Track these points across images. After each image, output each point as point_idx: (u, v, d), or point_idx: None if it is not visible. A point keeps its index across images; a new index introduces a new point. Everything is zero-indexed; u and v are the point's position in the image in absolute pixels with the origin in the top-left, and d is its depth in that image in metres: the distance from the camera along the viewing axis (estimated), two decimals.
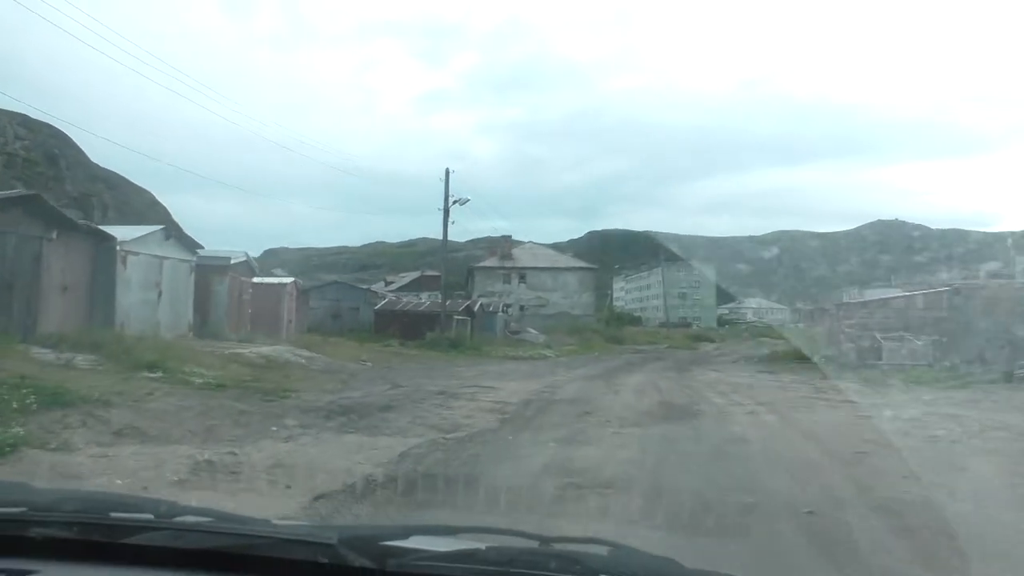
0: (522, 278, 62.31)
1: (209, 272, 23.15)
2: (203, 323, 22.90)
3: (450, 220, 37.01)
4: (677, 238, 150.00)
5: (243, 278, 25.45)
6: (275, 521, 1.92)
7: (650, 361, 31.60)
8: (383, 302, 42.20)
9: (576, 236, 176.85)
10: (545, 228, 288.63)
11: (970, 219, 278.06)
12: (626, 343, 50.61)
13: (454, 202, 36.74)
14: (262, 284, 27.17)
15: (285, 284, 28.52)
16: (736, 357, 35.29)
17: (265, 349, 19.84)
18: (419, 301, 43.83)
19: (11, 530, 1.74)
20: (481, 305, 45.13)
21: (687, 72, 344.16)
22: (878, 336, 26.54)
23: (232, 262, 24.33)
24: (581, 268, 65.42)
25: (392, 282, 75.47)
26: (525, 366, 26.61)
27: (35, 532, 1.71)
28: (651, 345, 50.54)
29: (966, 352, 21.69)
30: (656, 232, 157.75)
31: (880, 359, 26.06)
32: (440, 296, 40.03)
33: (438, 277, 41.87)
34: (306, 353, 20.60)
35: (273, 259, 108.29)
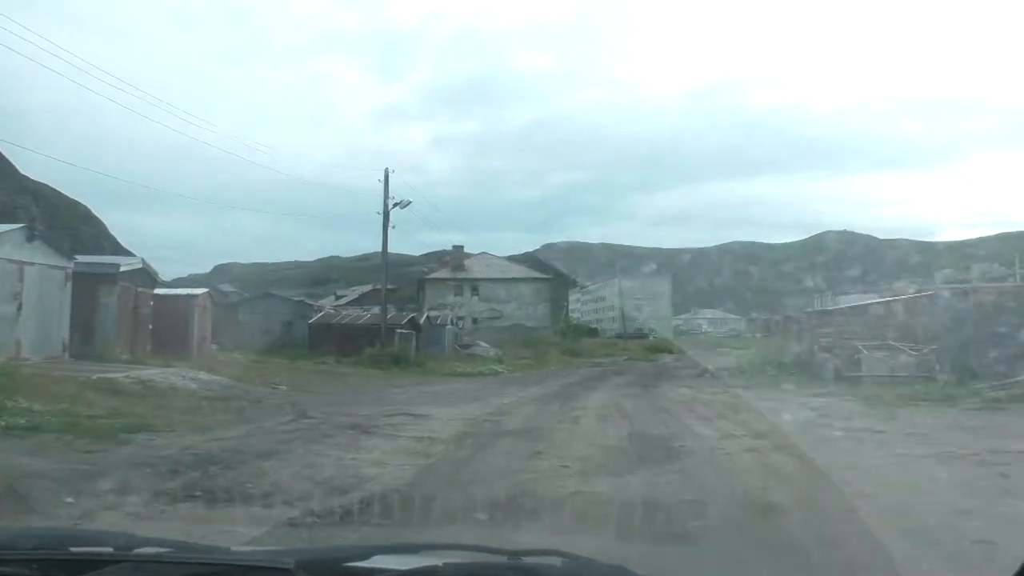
0: (474, 290, 59.53)
1: (93, 282, 19.48)
2: (85, 342, 19.21)
3: (397, 229, 34.66)
4: (632, 249, 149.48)
5: (140, 289, 21.79)
6: (234, 548, 1.99)
7: (611, 376, 28.83)
8: (319, 315, 38.56)
9: (532, 248, 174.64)
10: (501, 241, 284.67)
11: (914, 229, 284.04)
12: (583, 355, 48.18)
13: (395, 205, 33.76)
14: (166, 296, 23.48)
15: (195, 296, 24.80)
16: (700, 370, 32.71)
17: (151, 372, 16.36)
18: (359, 314, 40.29)
19: None
20: (428, 317, 41.90)
21: (641, 84, 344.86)
22: (859, 346, 24.20)
23: (123, 269, 20.65)
24: (535, 279, 62.88)
25: (343, 296, 71.61)
26: (472, 384, 23.65)
27: None
28: (609, 357, 48.14)
29: (964, 363, 19.34)
30: (611, 244, 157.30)
31: (860, 371, 23.75)
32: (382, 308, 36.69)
33: (390, 290, 38.81)
34: (204, 376, 17.16)
35: (223, 274, 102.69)
